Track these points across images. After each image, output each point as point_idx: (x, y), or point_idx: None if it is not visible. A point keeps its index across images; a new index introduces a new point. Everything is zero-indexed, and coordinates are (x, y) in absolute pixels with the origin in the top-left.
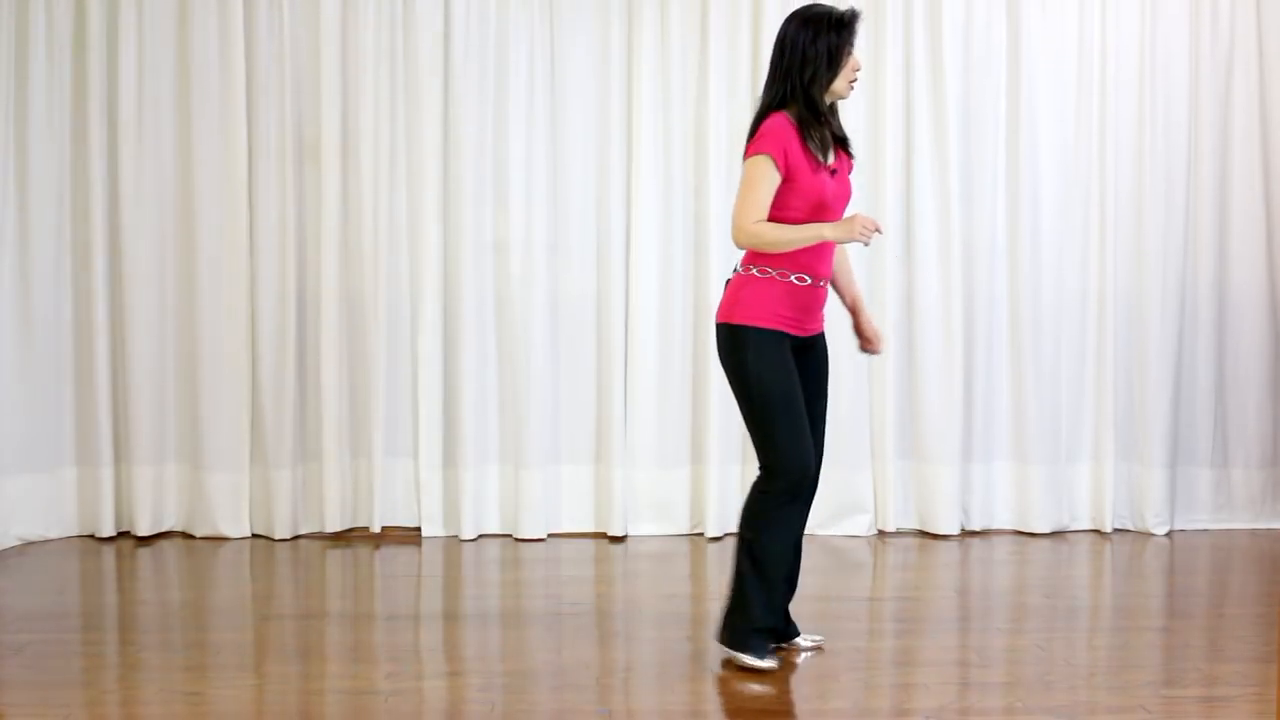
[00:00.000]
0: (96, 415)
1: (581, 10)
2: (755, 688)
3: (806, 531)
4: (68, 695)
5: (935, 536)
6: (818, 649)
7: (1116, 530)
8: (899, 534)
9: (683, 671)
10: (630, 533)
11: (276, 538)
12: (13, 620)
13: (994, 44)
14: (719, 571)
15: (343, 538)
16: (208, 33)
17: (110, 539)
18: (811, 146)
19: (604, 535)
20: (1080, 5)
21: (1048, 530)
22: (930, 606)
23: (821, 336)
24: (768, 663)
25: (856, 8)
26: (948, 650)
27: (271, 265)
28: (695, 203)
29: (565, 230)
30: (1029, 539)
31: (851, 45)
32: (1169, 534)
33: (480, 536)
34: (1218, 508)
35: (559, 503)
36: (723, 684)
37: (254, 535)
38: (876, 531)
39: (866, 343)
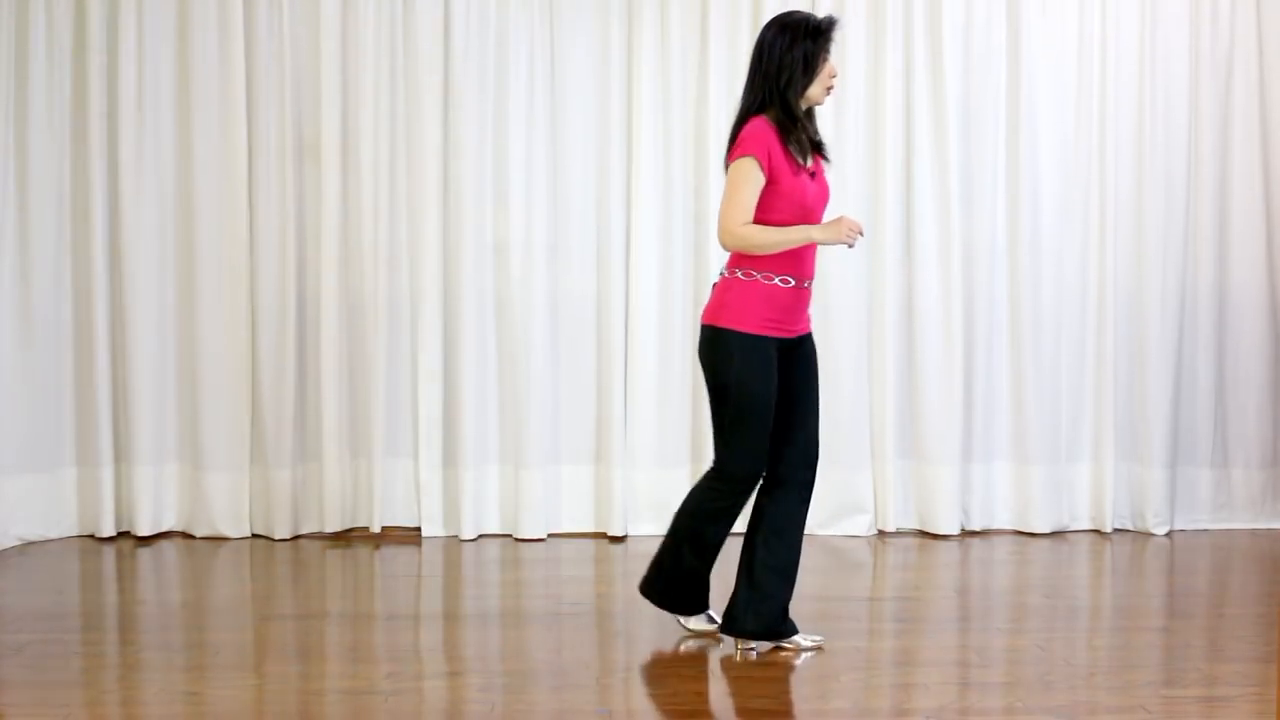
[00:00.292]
0: (96, 415)
1: (581, 10)
2: (755, 688)
3: (806, 531)
4: (67, 695)
5: (935, 536)
6: (818, 649)
7: (1116, 530)
8: (899, 534)
9: (683, 671)
10: (630, 533)
11: (276, 538)
12: (12, 620)
13: (994, 44)
14: (719, 571)
15: (343, 538)
16: (208, 32)
17: (110, 539)
18: (792, 149)
19: (604, 535)
20: (1080, 5)
21: (1048, 530)
22: (930, 606)
23: (809, 337)
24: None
25: (834, 15)
26: (948, 650)
27: (271, 265)
28: (695, 203)
29: (565, 230)
30: (1029, 539)
31: (828, 52)
32: (1169, 534)
33: (480, 536)
34: (1218, 508)
35: (559, 503)
36: (723, 684)
37: (254, 535)
38: (876, 531)
39: None
